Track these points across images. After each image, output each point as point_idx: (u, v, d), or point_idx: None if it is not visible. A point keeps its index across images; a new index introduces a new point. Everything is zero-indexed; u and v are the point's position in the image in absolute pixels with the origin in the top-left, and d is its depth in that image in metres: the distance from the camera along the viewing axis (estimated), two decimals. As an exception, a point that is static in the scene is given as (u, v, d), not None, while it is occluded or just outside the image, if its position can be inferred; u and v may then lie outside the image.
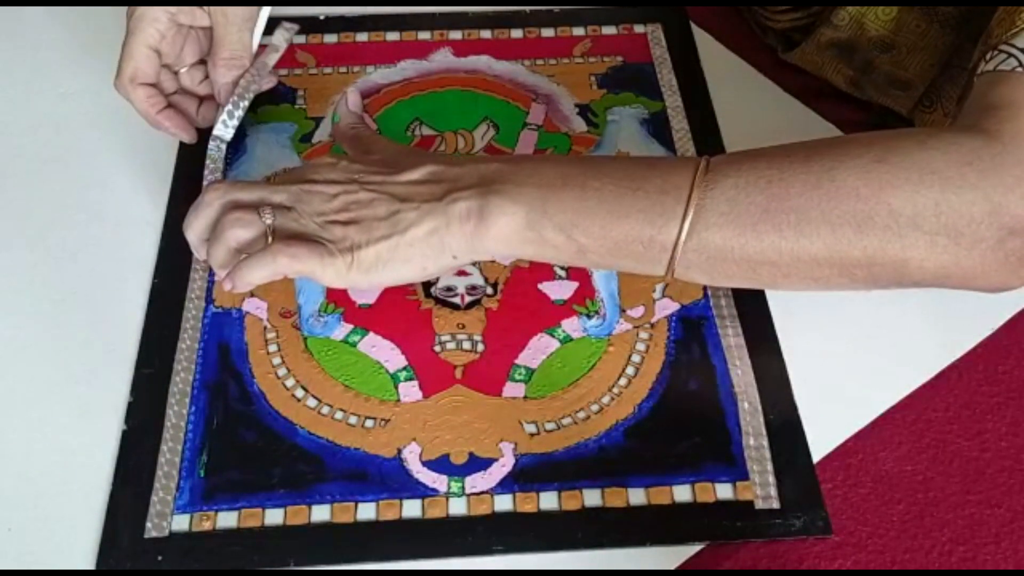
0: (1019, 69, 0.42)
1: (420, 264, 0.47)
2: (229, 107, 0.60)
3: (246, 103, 0.60)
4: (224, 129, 0.60)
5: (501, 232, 0.45)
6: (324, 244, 0.46)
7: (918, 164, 0.41)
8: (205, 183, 0.61)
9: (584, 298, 0.58)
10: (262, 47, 0.62)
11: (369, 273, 0.46)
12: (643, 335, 0.56)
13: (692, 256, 0.44)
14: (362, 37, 0.73)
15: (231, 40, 0.58)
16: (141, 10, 0.56)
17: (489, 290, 0.58)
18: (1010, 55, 0.43)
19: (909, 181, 0.41)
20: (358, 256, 0.46)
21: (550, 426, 0.52)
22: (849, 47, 0.65)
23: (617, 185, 0.44)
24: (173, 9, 0.57)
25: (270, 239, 0.47)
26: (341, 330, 0.56)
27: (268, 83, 0.64)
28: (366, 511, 0.49)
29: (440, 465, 0.51)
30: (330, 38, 0.73)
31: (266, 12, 0.61)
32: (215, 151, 0.61)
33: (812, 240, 0.42)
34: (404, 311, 0.57)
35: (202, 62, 0.62)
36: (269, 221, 0.47)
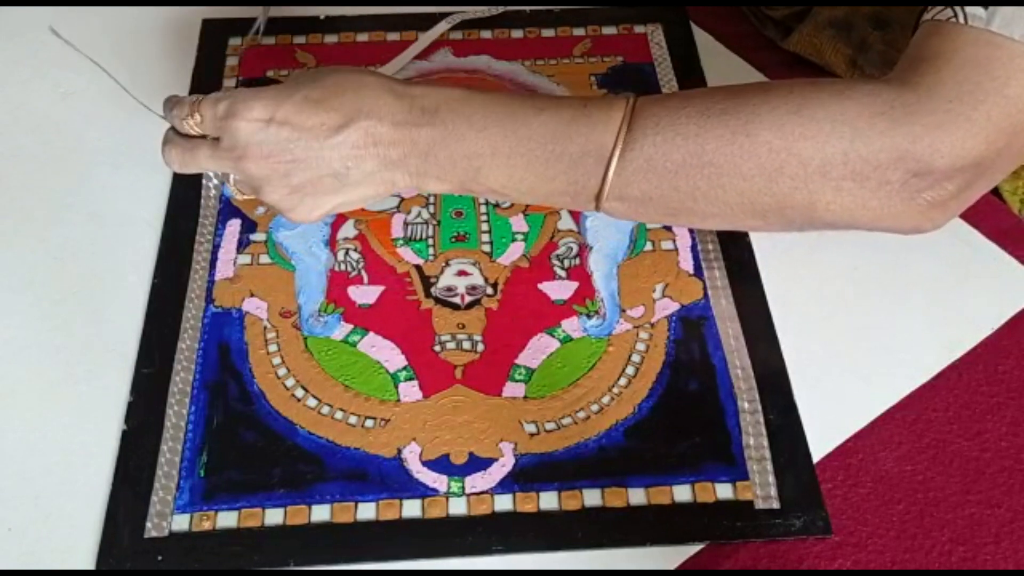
0: (953, 20, 0.43)
1: (361, 204, 0.50)
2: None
3: None
4: None
5: (437, 191, 0.50)
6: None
7: (831, 114, 0.43)
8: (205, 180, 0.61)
9: (584, 298, 0.58)
10: None
11: (314, 219, 0.50)
12: (643, 335, 0.56)
13: (615, 204, 0.46)
14: (362, 37, 0.73)
15: None
16: None
17: (489, 290, 0.58)
18: (949, 5, 0.44)
19: (821, 132, 0.42)
20: (312, 217, 0.49)
21: (550, 426, 0.52)
22: (846, 24, 0.66)
23: (543, 149, 0.46)
24: None
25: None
26: (341, 330, 0.56)
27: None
28: (366, 511, 0.49)
29: (440, 465, 0.51)
30: (330, 38, 0.73)
31: None
32: None
33: (725, 190, 0.44)
34: (404, 311, 0.57)
35: None
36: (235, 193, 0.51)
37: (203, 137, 0.49)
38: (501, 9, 0.73)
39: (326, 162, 0.47)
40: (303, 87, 0.47)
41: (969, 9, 0.43)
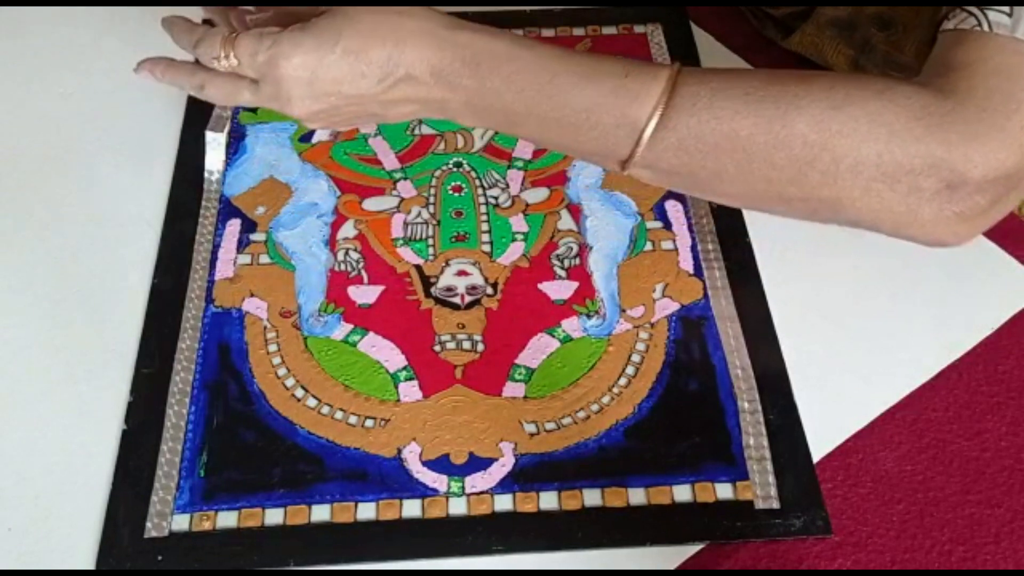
0: (978, 28, 0.43)
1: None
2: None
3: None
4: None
5: (471, 126, 0.50)
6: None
7: (870, 114, 0.42)
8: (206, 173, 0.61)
9: (584, 298, 0.58)
10: None
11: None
12: (643, 335, 0.56)
13: (641, 171, 0.46)
14: (362, 37, 0.73)
15: None
16: None
17: (489, 290, 0.58)
18: (971, 14, 0.44)
19: (857, 132, 0.42)
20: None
21: (550, 426, 0.52)
22: (849, 25, 0.66)
23: (577, 116, 0.45)
24: None
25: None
26: (341, 330, 0.56)
27: None
28: (366, 511, 0.49)
29: (440, 465, 0.51)
30: (330, 38, 0.73)
31: None
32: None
33: (754, 176, 0.44)
34: (404, 311, 0.57)
35: None
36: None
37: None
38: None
39: (366, 107, 0.48)
40: (343, 36, 0.46)
41: (992, 16, 0.43)
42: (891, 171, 0.42)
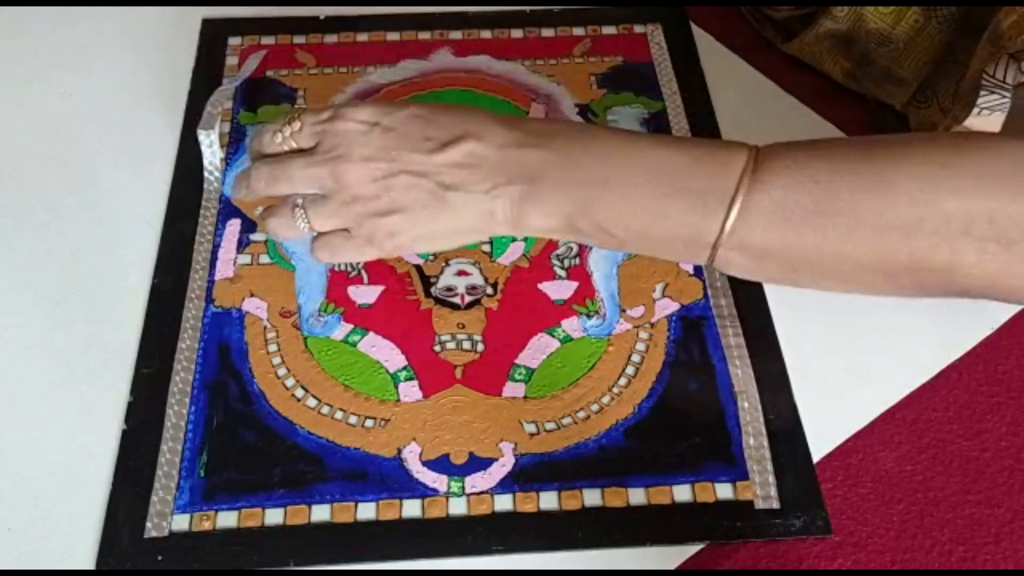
0: None
1: (456, 245, 0.47)
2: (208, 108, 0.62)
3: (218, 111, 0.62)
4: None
5: (538, 228, 0.45)
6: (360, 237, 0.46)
7: (976, 169, 0.40)
8: (207, 174, 0.61)
9: (584, 298, 0.58)
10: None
11: (404, 251, 0.47)
12: (643, 335, 0.56)
13: (732, 254, 0.43)
14: (362, 37, 0.73)
15: None
16: None
17: (489, 290, 0.58)
18: None
19: (966, 187, 0.40)
20: (397, 241, 0.46)
21: (550, 426, 0.52)
22: (847, 39, 0.66)
23: (661, 184, 0.43)
24: None
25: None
26: (341, 330, 0.56)
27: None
28: (366, 511, 0.49)
29: (440, 465, 0.51)
30: (330, 38, 0.73)
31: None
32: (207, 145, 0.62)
33: (857, 244, 0.41)
34: (404, 311, 0.57)
35: None
36: (303, 226, 0.47)
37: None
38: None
39: (427, 176, 0.44)
40: (410, 104, 0.45)
41: None
42: (1006, 229, 0.39)
